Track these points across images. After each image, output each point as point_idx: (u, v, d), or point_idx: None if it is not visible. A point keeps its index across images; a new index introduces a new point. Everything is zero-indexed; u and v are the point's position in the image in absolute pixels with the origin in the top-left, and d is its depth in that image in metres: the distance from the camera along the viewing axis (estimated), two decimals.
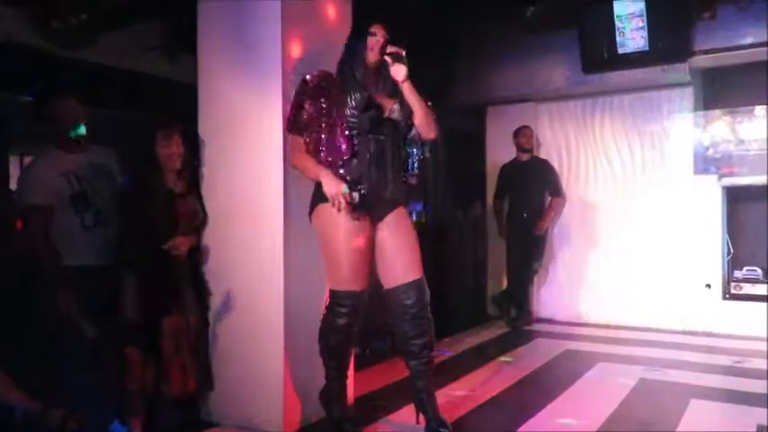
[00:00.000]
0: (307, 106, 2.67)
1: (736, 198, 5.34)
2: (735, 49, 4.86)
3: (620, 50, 5.06)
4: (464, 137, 6.36)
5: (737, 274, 5.32)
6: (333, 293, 2.75)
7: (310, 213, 2.78)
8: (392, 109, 2.74)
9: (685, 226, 5.32)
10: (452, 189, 6.09)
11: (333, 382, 2.82)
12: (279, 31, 2.87)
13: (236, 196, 3.01)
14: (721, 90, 5.49)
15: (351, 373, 3.03)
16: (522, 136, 5.52)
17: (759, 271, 5.25)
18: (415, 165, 2.89)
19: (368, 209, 2.68)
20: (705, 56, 4.96)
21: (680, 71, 5.08)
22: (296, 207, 2.89)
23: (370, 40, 2.68)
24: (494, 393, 3.39)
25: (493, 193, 5.80)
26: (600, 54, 5.16)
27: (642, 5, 4.92)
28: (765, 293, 5.11)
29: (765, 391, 3.53)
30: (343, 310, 2.71)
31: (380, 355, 4.27)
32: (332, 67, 2.77)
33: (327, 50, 2.88)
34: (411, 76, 2.66)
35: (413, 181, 2.89)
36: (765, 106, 5.20)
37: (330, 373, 2.82)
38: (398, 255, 2.75)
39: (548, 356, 4.45)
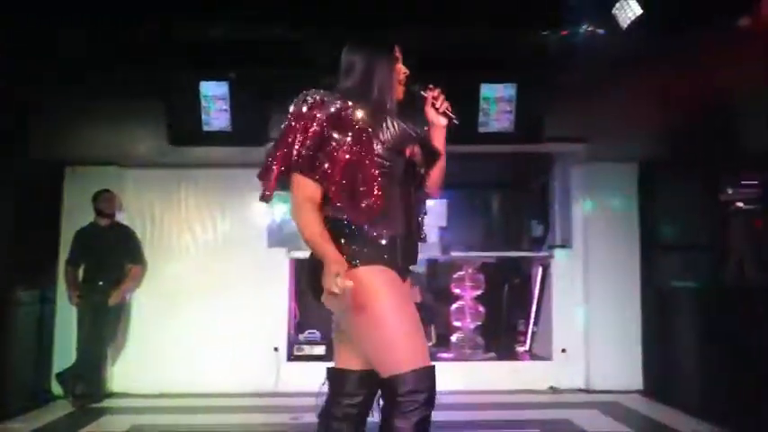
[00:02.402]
0: (323, 133, 1.96)
1: (301, 269, 6.04)
2: None
3: (206, 128, 5.31)
4: (40, 196, 5.75)
5: (301, 337, 5.99)
6: (402, 381, 1.92)
7: (329, 280, 1.88)
8: (415, 152, 2.17)
9: (259, 294, 5.76)
10: (20, 253, 5.40)
11: None
12: None
13: None
14: None
15: None
16: (103, 200, 5.31)
17: (318, 333, 6.00)
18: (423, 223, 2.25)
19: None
20: None
21: (261, 153, 5.62)
22: None
23: (399, 67, 2.17)
24: None
25: (65, 258, 5.36)
26: (186, 129, 5.32)
27: (225, 89, 5.31)
28: (322, 353, 5.86)
29: None
30: (425, 396, 1.92)
31: None
32: None
33: None
34: None
35: (425, 242, 2.24)
36: None
37: None
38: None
39: None
